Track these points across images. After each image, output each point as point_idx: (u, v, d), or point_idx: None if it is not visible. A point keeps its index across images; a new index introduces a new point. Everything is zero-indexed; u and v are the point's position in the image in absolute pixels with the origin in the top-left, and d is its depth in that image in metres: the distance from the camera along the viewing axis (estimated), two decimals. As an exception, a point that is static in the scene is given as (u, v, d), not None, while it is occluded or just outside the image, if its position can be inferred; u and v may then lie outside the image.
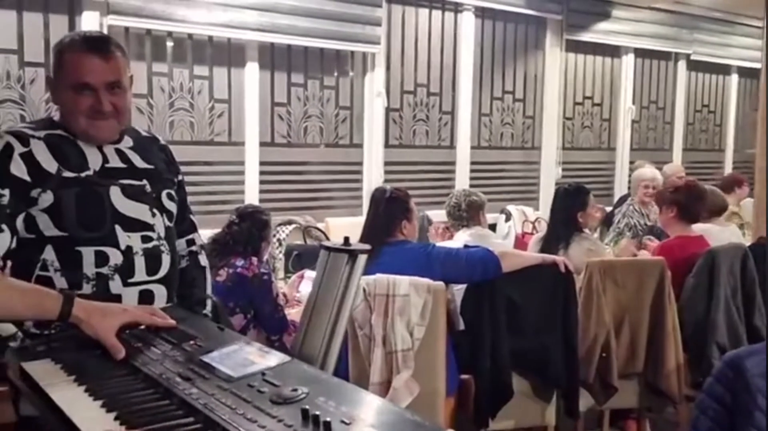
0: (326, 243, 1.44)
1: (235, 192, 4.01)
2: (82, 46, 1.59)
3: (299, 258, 3.39)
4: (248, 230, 2.69)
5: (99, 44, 1.60)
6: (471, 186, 4.96)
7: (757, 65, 4.94)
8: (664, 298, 2.84)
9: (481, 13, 5.05)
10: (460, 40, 4.99)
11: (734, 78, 6.87)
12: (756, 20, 5.37)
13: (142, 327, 1.42)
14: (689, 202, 3.32)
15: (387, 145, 4.70)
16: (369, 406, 1.02)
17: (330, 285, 1.33)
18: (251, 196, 4.00)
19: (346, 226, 3.67)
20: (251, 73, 4.06)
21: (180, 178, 1.80)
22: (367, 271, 2.42)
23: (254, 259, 2.64)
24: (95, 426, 1.02)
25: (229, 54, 3.99)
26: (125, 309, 1.39)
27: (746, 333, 3.05)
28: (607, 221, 4.62)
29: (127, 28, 3.54)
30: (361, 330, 2.42)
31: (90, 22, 3.43)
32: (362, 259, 1.33)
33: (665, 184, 4.38)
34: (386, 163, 4.67)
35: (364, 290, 2.38)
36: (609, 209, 4.86)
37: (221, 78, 3.99)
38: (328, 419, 0.92)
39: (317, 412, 0.94)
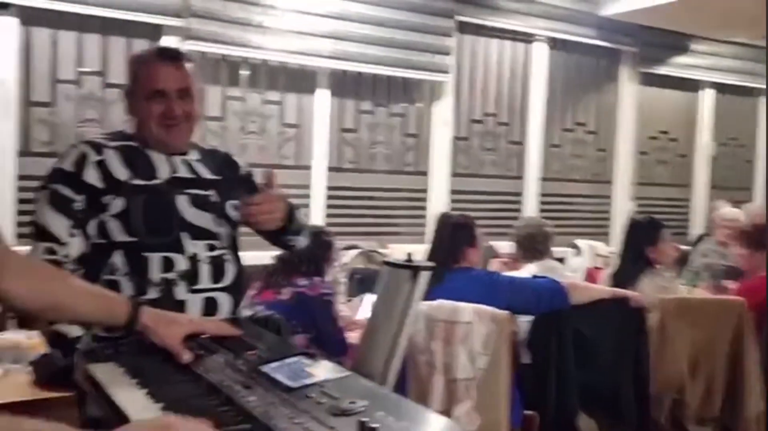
0: (389, 259, 1.42)
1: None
2: (155, 56, 1.69)
3: (361, 283, 3.39)
4: (312, 250, 2.70)
5: (170, 54, 1.71)
6: (541, 218, 4.86)
7: None
8: (744, 341, 2.67)
9: (553, 44, 5.00)
10: (531, 70, 4.95)
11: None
12: None
13: (206, 336, 1.43)
14: None
15: (453, 174, 4.67)
16: (428, 423, 0.99)
17: (392, 301, 1.31)
18: (317, 220, 4.04)
19: (410, 253, 3.64)
20: (321, 99, 4.13)
21: (245, 173, 1.86)
22: (431, 296, 2.39)
23: (317, 279, 2.65)
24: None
25: (301, 80, 4.07)
26: (191, 319, 1.41)
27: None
28: (683, 260, 4.43)
29: (204, 53, 3.67)
30: (422, 356, 2.37)
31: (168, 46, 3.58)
32: (424, 276, 1.30)
33: (748, 224, 4.17)
34: (452, 192, 4.64)
35: (426, 315, 2.34)
36: (685, 248, 4.66)
37: (292, 103, 4.07)
38: (386, 433, 0.89)
39: (375, 425, 0.91)
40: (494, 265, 3.70)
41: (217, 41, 3.62)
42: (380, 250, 3.86)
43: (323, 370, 1.18)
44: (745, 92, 6.03)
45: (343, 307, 3.06)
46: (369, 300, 2.93)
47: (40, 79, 3.37)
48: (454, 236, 2.60)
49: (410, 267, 1.34)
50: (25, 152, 3.32)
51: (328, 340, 2.62)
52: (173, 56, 1.70)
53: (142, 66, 1.68)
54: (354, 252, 3.67)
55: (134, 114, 1.70)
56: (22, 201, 3.21)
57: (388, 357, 1.28)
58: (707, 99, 5.84)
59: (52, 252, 1.54)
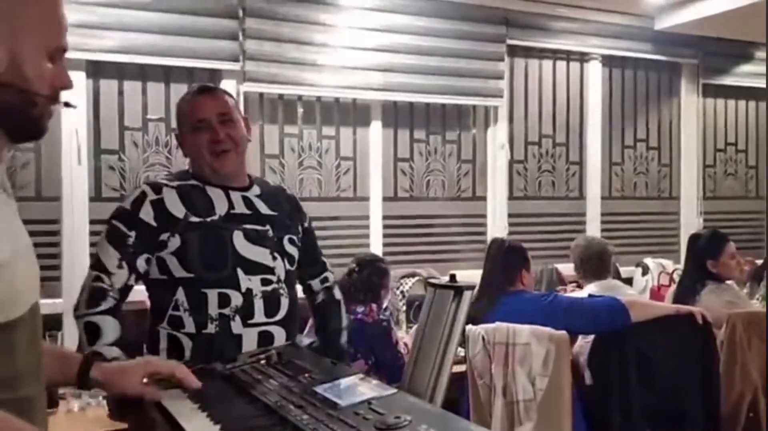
0: (432, 280, 1.46)
1: (361, 245, 4.13)
2: (195, 92, 1.82)
3: (420, 310, 3.41)
4: (368, 278, 2.77)
5: (210, 88, 1.85)
6: (604, 238, 4.78)
7: None
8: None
9: (608, 61, 4.96)
10: (586, 89, 4.92)
11: None
12: None
13: (263, 362, 1.50)
14: None
15: (511, 197, 4.66)
16: (470, 436, 1.02)
17: (437, 320, 1.35)
18: (375, 249, 4.10)
19: (469, 278, 3.65)
20: (375, 130, 4.23)
21: (307, 224, 1.93)
22: (487, 320, 2.40)
23: (374, 306, 2.70)
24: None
25: (354, 113, 4.19)
26: (148, 361, 1.43)
27: None
28: (757, 275, 4.25)
29: (261, 94, 3.84)
30: (481, 379, 2.38)
31: (227, 89, 3.76)
32: (468, 295, 1.34)
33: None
34: (510, 215, 4.62)
35: (483, 338, 2.35)
36: (760, 262, 4.47)
37: (347, 136, 4.19)
38: (426, 444, 0.92)
39: (417, 437, 0.94)
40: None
41: (273, 81, 3.77)
42: (440, 277, 3.88)
43: (372, 388, 1.23)
44: (816, 97, 5.79)
45: (402, 334, 3.09)
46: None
47: (109, 128, 3.58)
48: (508, 260, 2.63)
49: (453, 288, 1.38)
50: (96, 197, 3.51)
51: (387, 366, 2.66)
52: (210, 89, 1.84)
53: (184, 104, 1.81)
54: (413, 280, 3.70)
55: (188, 151, 1.81)
56: (93, 245, 3.39)
57: (435, 376, 1.31)
58: (774, 107, 5.64)
59: (99, 279, 1.66)
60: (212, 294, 1.66)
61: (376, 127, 4.23)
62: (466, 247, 4.50)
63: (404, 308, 3.46)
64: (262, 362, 1.51)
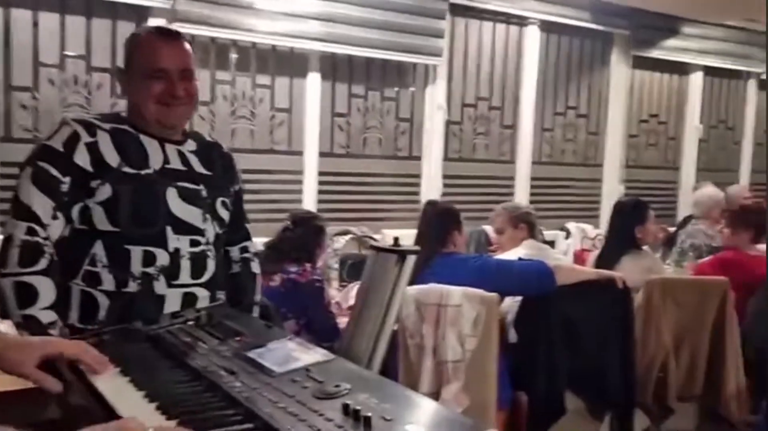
0: (376, 243, 1.44)
1: (294, 201, 4.07)
2: (157, 35, 1.65)
3: (354, 268, 3.41)
4: (303, 236, 2.73)
5: (172, 34, 1.67)
6: (531, 202, 4.90)
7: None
8: (726, 320, 2.72)
9: (546, 27, 5.00)
10: (523, 53, 4.95)
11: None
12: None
13: (191, 323, 1.44)
14: (759, 225, 3.23)
15: (446, 158, 4.69)
16: (412, 404, 1.01)
17: (378, 285, 1.33)
18: (309, 205, 4.05)
19: (402, 238, 3.66)
20: (313, 83, 4.13)
21: (238, 188, 1.82)
22: (420, 281, 2.42)
23: (308, 265, 2.67)
24: (137, 415, 1.04)
25: (291, 63, 4.07)
26: (49, 340, 1.26)
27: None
28: (670, 241, 4.47)
29: (192, 36, 3.66)
30: (412, 339, 2.41)
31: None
32: (411, 260, 1.33)
33: (731, 205, 4.21)
34: (445, 177, 4.66)
35: (416, 299, 2.37)
36: (672, 229, 4.70)
37: (283, 87, 4.07)
38: (369, 414, 0.91)
39: (358, 407, 0.93)
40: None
41: (205, 23, 3.59)
42: (373, 236, 3.88)
43: (309, 355, 1.20)
44: (734, 75, 6.05)
45: (335, 293, 3.09)
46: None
47: (22, 63, 3.31)
48: (441, 221, 2.64)
49: (397, 252, 1.36)
50: (5, 138, 3.28)
51: (319, 326, 2.65)
52: (174, 35, 1.66)
53: (141, 44, 1.64)
54: (346, 237, 3.69)
55: (131, 94, 1.65)
56: (2, 188, 3.09)
57: (374, 341, 1.30)
58: (696, 82, 5.86)
59: (32, 232, 1.49)
60: (136, 251, 1.56)
61: (313, 78, 4.13)
62: (399, 207, 4.51)
63: (337, 266, 3.45)
64: (190, 323, 1.45)
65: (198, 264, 1.63)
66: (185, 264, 1.61)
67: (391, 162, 4.50)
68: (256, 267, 1.89)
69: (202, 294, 1.65)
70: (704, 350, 2.74)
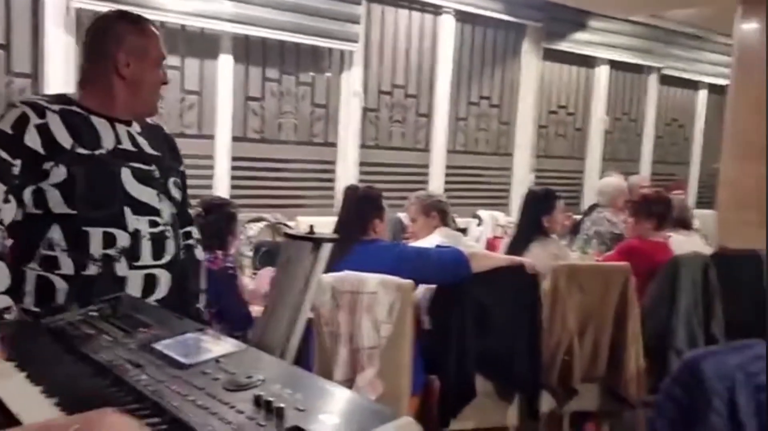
0: (290, 231, 1.42)
1: (205, 187, 3.96)
2: (145, 22, 1.65)
3: (267, 256, 3.35)
4: (214, 223, 2.65)
5: (148, 19, 1.68)
6: (445, 190, 4.99)
7: (725, 82, 5.03)
8: (628, 305, 2.86)
9: (460, 16, 5.07)
10: (438, 42, 5.00)
11: (703, 93, 7.00)
12: (725, 38, 5.47)
13: (94, 314, 1.38)
14: (663, 213, 3.40)
15: (362, 146, 4.69)
16: (326, 394, 1.00)
17: (293, 274, 1.31)
18: (221, 192, 3.96)
19: (317, 225, 3.63)
20: (225, 65, 4.01)
21: (183, 169, 1.82)
22: (338, 268, 2.41)
23: (219, 253, 2.60)
24: (32, 411, 0.98)
25: (202, 44, 3.94)
26: None
27: (705, 342, 3.08)
28: (575, 229, 4.65)
29: (94, 13, 3.47)
30: (327, 327, 2.39)
31: (55, 3, 3.37)
32: (326, 248, 1.31)
33: (633, 194, 4.42)
34: (361, 164, 4.66)
35: (332, 287, 2.35)
36: (578, 217, 4.90)
37: (193, 69, 3.94)
38: (281, 405, 0.89)
39: (271, 398, 0.91)
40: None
41: (110, 0, 3.42)
42: (287, 223, 3.83)
43: (221, 345, 1.17)
44: (637, 69, 6.36)
45: (248, 281, 3.03)
46: (271, 273, 2.91)
47: None
48: (362, 208, 2.62)
49: (312, 240, 1.34)
50: None
51: (232, 314, 2.59)
52: (152, 22, 1.68)
53: (144, 32, 1.63)
54: (260, 224, 3.62)
55: (137, 84, 1.63)
56: None
57: (288, 331, 1.28)
58: (602, 75, 6.12)
59: None
60: (95, 233, 1.52)
61: (225, 61, 4.02)
62: (314, 193, 4.48)
63: (250, 253, 3.38)
64: (94, 314, 1.38)
65: (158, 245, 1.62)
66: (146, 245, 1.59)
67: (306, 148, 4.46)
68: (200, 253, 1.86)
69: (164, 276, 1.63)
70: (607, 334, 2.86)
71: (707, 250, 3.54)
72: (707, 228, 4.40)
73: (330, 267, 2.29)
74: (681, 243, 3.48)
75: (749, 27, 3.81)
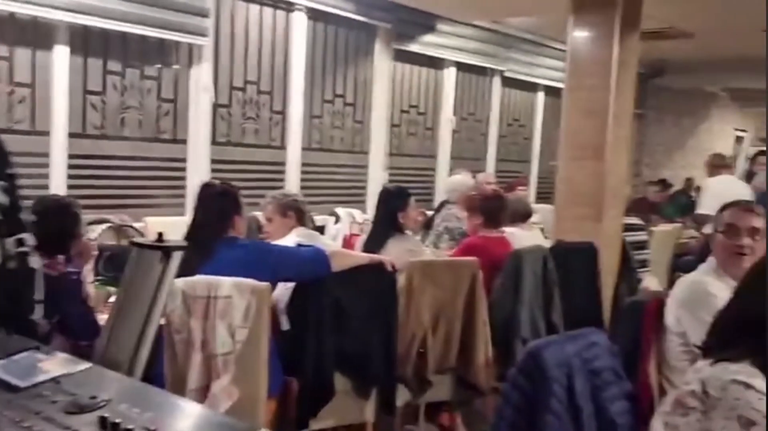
0: (137, 239, 1.34)
1: (39, 186, 3.65)
2: None
3: (111, 261, 3.14)
4: (52, 225, 2.44)
5: None
6: (302, 188, 4.97)
7: (561, 85, 5.44)
8: (476, 297, 3.01)
9: (313, 14, 5.06)
10: (292, 39, 4.96)
11: (541, 96, 7.53)
12: (560, 44, 5.91)
13: None
14: (493, 210, 3.62)
15: (214, 142, 4.55)
16: (178, 411, 0.97)
17: (141, 284, 1.24)
18: (59, 191, 3.66)
19: (167, 226, 3.46)
20: (60, 56, 3.72)
21: (11, 172, 1.65)
22: (198, 270, 2.31)
23: (60, 257, 2.40)
24: None
25: (35, 34, 3.62)
26: None
27: (546, 330, 3.32)
28: (428, 224, 4.83)
29: None
30: (179, 334, 2.30)
31: None
32: (177, 256, 1.25)
33: (478, 191, 4.66)
34: (213, 161, 4.52)
35: (183, 292, 2.26)
36: (430, 213, 5.09)
37: (23, 60, 3.61)
38: (130, 427, 0.85)
39: (118, 420, 0.86)
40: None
41: None
42: (133, 224, 3.62)
43: (60, 364, 1.09)
44: (482, 72, 6.71)
45: (91, 287, 2.83)
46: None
47: None
48: (221, 205, 2.54)
49: (161, 248, 1.28)
50: None
51: (76, 323, 2.40)
52: None
53: None
54: (103, 227, 3.39)
55: None
56: None
57: (136, 345, 1.21)
58: (450, 77, 6.39)
59: None
60: None
61: (61, 52, 3.72)
62: (163, 193, 4.28)
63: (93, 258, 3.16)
64: None
65: None
66: None
67: (153, 145, 4.25)
68: (35, 261, 1.68)
69: None
70: (458, 325, 3.00)
71: (546, 243, 3.81)
72: (547, 222, 4.74)
73: (188, 270, 2.20)
74: (520, 237, 3.73)
75: (580, 35, 4.13)
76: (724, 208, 2.35)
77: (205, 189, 2.62)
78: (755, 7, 4.93)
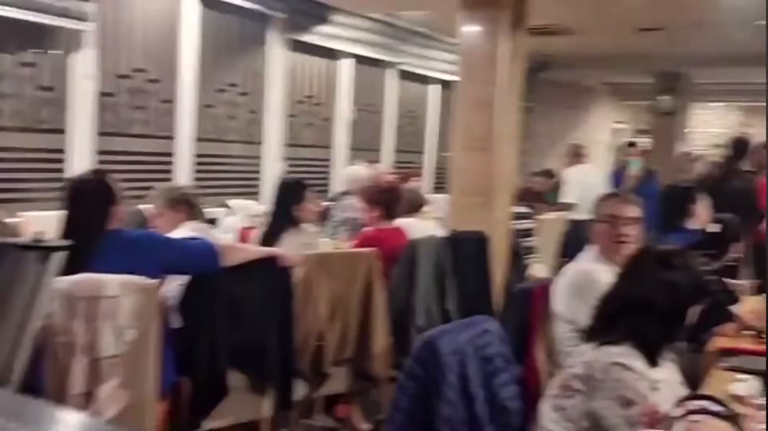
0: (12, 239, 1.25)
1: None
2: None
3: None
4: None
5: None
6: (194, 179, 4.82)
7: (453, 78, 5.58)
8: (374, 288, 3.04)
9: (205, 2, 4.91)
10: (182, 26, 4.78)
11: (434, 88, 7.69)
12: (452, 38, 6.05)
13: None
14: (390, 202, 3.67)
15: (99, 133, 4.31)
16: (58, 423, 0.91)
17: (16, 288, 1.16)
18: None
19: (46, 221, 3.25)
20: None
21: None
22: (86, 267, 2.18)
23: None
24: None
25: None
26: None
27: (440, 317, 3.41)
28: (325, 215, 4.81)
29: None
30: (61, 337, 2.16)
31: None
32: (57, 257, 1.18)
33: (376, 182, 4.70)
34: (99, 153, 4.29)
35: (65, 293, 2.13)
36: (326, 204, 5.07)
37: None
38: (3, 444, 0.79)
39: (-11, 438, 0.80)
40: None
41: None
42: (7, 219, 3.38)
43: None
44: (378, 64, 6.76)
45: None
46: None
47: None
48: (98, 197, 2.41)
49: (38, 248, 1.20)
50: None
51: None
52: None
53: None
54: (-28, 222, 3.14)
55: None
56: None
57: (11, 353, 1.13)
58: (346, 68, 6.39)
59: None
60: None
61: None
62: (40, 186, 4.02)
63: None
64: None
65: None
66: None
67: (30, 135, 3.97)
68: None
69: None
70: (355, 316, 3.02)
71: (441, 233, 3.90)
72: (441, 212, 4.84)
73: (72, 270, 2.08)
74: (415, 227, 3.79)
75: (470, 30, 4.24)
76: (603, 198, 2.50)
77: (75, 184, 2.48)
78: (629, 7, 5.26)
